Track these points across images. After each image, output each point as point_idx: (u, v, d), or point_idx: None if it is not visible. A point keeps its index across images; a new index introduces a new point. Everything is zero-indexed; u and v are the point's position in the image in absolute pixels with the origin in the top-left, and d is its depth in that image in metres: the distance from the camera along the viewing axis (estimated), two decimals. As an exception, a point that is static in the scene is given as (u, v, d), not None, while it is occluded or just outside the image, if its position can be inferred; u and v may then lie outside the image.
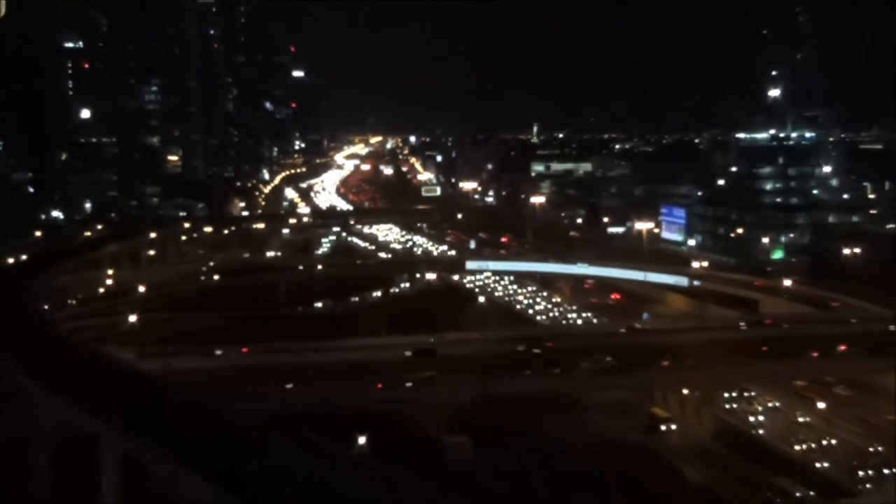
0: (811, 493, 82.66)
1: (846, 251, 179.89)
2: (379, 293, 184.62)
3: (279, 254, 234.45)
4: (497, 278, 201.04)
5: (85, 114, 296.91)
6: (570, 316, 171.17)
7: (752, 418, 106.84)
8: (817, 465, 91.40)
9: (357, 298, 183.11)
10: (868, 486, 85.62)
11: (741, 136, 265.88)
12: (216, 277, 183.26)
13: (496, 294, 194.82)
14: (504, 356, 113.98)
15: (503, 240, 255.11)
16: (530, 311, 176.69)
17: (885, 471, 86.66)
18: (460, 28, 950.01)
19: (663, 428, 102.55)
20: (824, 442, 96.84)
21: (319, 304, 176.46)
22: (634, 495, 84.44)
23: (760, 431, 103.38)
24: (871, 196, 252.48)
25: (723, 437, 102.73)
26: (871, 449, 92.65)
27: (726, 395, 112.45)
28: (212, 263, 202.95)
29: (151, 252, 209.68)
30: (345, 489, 56.00)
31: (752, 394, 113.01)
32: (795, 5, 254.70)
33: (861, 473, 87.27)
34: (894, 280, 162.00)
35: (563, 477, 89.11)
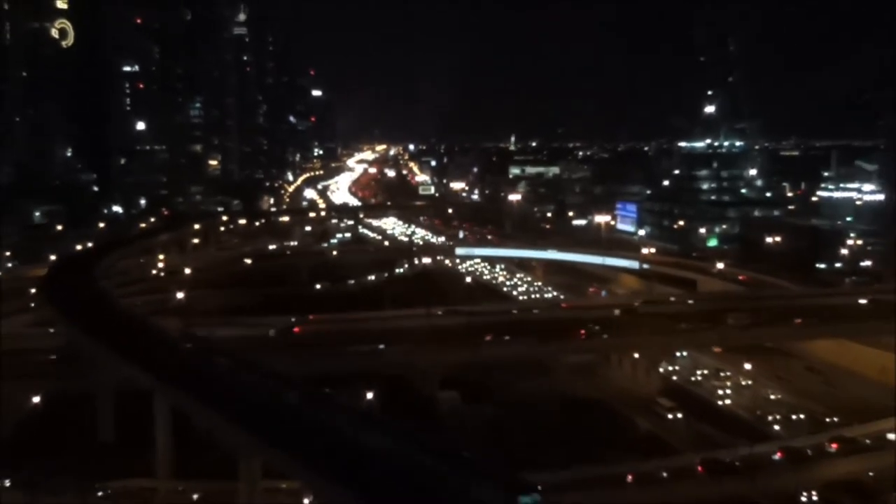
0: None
1: (768, 240, 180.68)
2: (385, 274, 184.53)
3: (301, 242, 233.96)
4: (482, 262, 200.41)
5: (140, 126, 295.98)
6: (546, 295, 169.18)
7: (720, 391, 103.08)
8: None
9: (368, 278, 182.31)
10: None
11: (682, 144, 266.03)
12: (249, 261, 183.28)
13: (478, 274, 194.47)
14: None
15: (466, 225, 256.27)
16: (514, 293, 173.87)
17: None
18: (452, 56, 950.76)
19: (670, 417, 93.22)
20: (793, 416, 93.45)
21: (318, 286, 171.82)
22: (593, 440, 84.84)
23: (727, 402, 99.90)
24: (790, 194, 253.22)
25: (670, 395, 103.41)
26: (827, 419, 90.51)
27: (699, 372, 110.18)
28: (245, 250, 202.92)
29: (195, 240, 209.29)
30: (353, 432, 56.53)
31: (728, 373, 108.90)
32: (727, 37, 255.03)
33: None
34: (806, 263, 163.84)
35: (534, 425, 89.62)
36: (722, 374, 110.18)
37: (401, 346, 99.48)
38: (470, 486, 43.16)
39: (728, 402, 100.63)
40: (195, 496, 65.50)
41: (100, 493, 68.52)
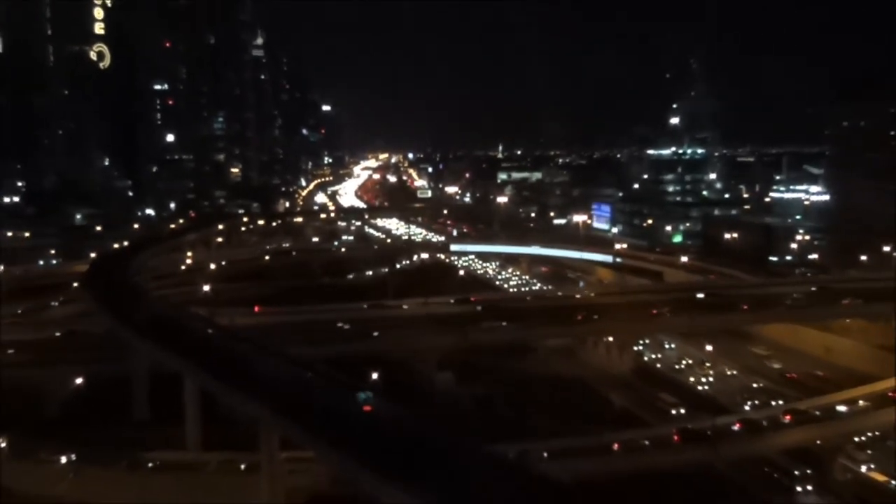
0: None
1: (727, 236, 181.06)
2: (384, 270, 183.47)
3: (313, 240, 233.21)
4: (475, 257, 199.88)
5: (169, 138, 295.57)
6: (534, 287, 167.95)
7: (703, 379, 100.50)
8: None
9: (367, 273, 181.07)
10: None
11: (651, 151, 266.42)
12: (267, 257, 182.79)
13: (471, 268, 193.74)
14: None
15: (458, 224, 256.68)
16: (505, 286, 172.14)
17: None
18: (447, 74, 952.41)
19: (673, 412, 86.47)
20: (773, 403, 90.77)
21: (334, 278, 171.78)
22: (572, 414, 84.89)
23: (706, 388, 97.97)
24: (745, 195, 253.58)
25: (639, 373, 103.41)
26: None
27: (684, 362, 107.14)
28: (264, 247, 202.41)
29: (219, 239, 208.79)
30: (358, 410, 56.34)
31: (710, 364, 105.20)
32: (690, 57, 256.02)
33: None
34: (760, 256, 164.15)
35: (519, 401, 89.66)
36: (685, 357, 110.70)
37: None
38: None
39: (692, 379, 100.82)
40: (242, 466, 64.75)
41: (150, 465, 68.03)
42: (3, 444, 71.24)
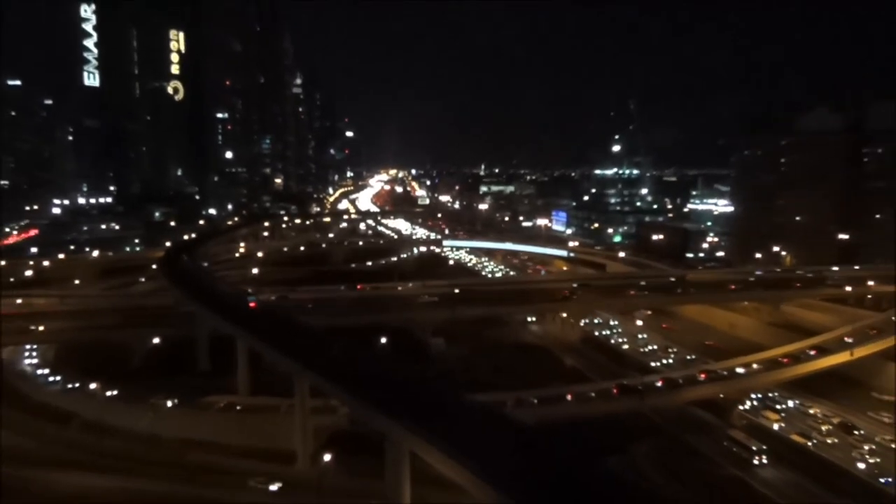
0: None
1: (655, 237, 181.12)
2: (382, 261, 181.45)
3: (338, 235, 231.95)
4: (461, 250, 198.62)
5: (228, 154, 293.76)
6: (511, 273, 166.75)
7: (662, 360, 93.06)
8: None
9: (381, 261, 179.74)
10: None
11: (597, 171, 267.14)
12: (302, 248, 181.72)
13: (461, 260, 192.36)
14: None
15: (450, 225, 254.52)
16: (489, 274, 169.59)
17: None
18: (441, 109, 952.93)
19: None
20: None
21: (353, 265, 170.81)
22: (533, 371, 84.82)
23: (625, 347, 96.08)
24: (669, 206, 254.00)
25: (586, 342, 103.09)
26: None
27: (650, 347, 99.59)
28: (299, 241, 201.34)
29: (265, 233, 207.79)
30: (370, 366, 56.32)
31: (675, 349, 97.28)
32: (629, 97, 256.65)
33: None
34: (679, 253, 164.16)
35: (494, 362, 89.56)
36: (618, 325, 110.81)
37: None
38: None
39: (626, 347, 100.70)
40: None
41: (238, 408, 67.60)
42: (115, 392, 71.00)
